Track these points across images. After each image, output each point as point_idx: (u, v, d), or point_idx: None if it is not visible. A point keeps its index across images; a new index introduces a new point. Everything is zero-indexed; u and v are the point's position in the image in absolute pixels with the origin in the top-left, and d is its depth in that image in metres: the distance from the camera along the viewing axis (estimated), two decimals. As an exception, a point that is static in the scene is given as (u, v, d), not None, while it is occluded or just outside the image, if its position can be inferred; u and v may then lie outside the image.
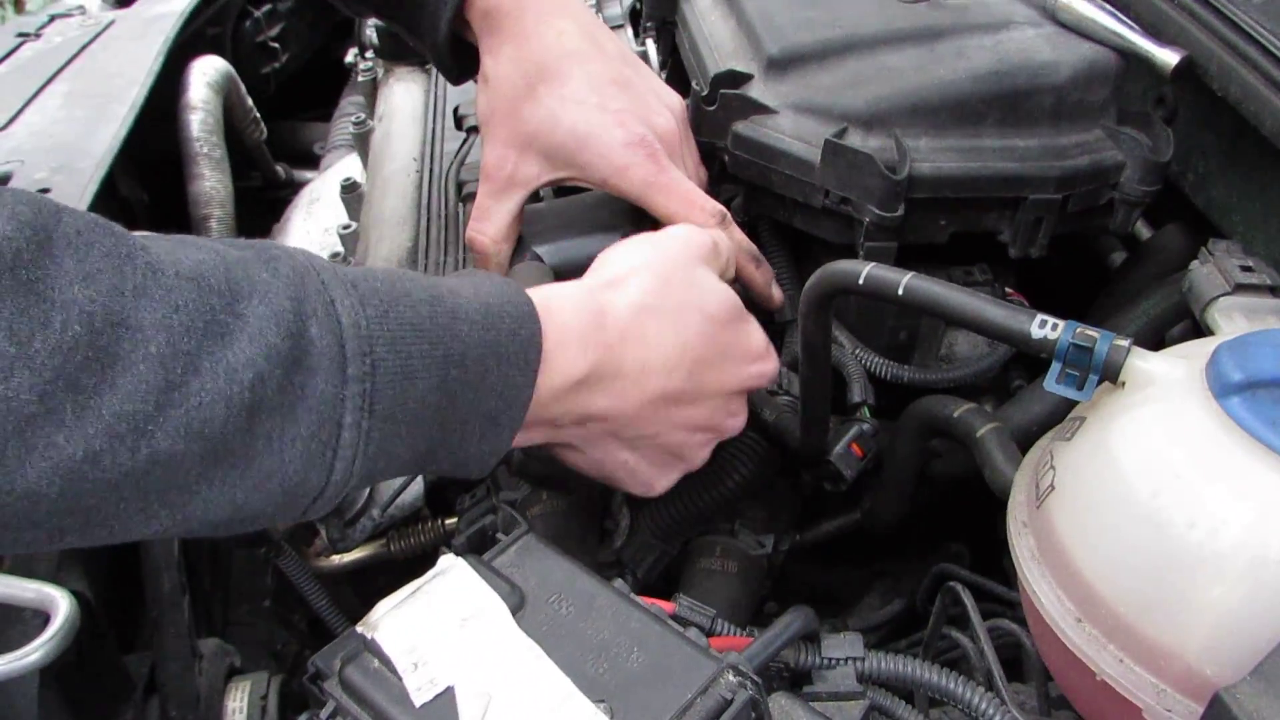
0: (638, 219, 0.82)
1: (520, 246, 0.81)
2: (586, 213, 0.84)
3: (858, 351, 0.91)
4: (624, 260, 0.72)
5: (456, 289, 0.61)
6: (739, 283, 0.84)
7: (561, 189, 0.93)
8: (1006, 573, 0.97)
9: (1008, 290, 0.94)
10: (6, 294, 0.43)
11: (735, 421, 0.75)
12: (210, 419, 0.48)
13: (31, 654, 0.64)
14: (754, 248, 0.82)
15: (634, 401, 0.67)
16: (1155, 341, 0.85)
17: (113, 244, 0.47)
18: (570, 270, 0.79)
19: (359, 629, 0.54)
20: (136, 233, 0.51)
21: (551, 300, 0.65)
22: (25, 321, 0.43)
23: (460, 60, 0.85)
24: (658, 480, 0.76)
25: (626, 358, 0.66)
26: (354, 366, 0.53)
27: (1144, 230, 1.02)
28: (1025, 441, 0.72)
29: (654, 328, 0.68)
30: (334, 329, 0.53)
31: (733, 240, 0.80)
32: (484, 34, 0.81)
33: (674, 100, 0.86)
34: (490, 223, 0.82)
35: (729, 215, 0.81)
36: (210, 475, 0.50)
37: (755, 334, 0.76)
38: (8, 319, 0.43)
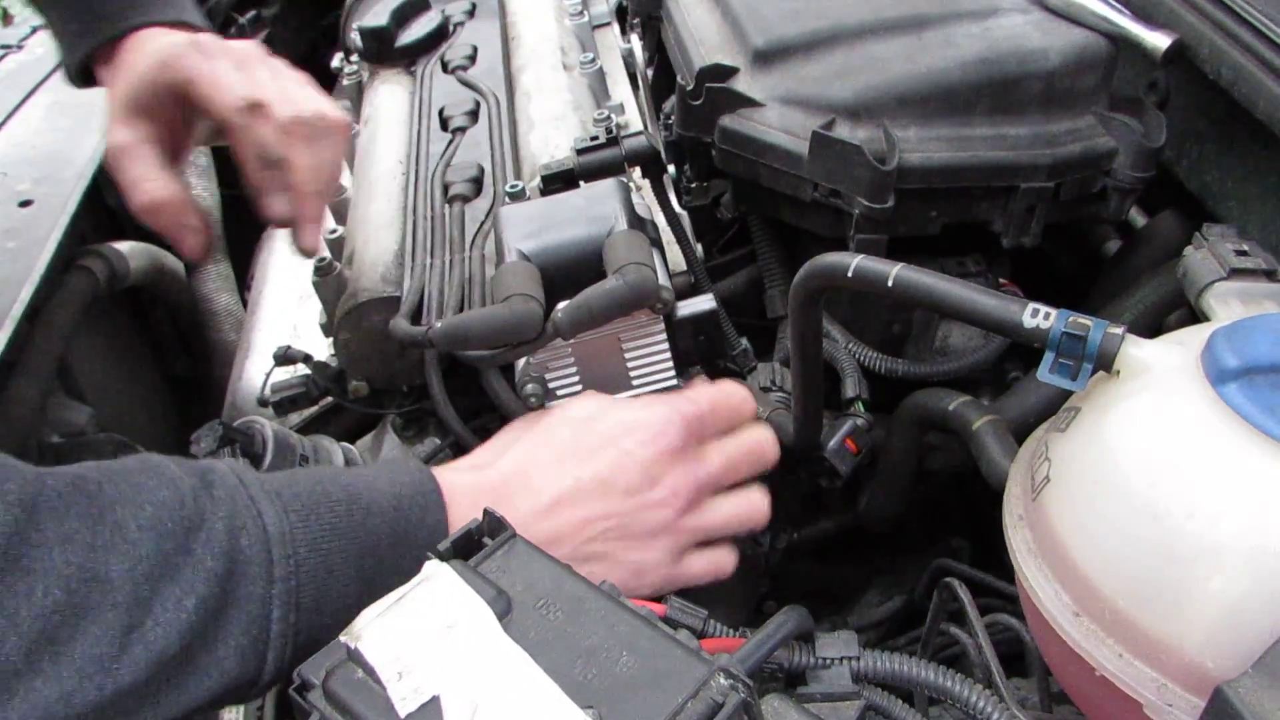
0: (627, 216, 0.81)
1: (506, 247, 0.80)
2: (571, 211, 0.83)
3: (851, 345, 0.90)
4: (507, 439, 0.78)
5: (373, 483, 0.68)
6: None
7: (547, 189, 0.92)
8: (1008, 567, 0.96)
9: (1001, 281, 0.93)
10: None
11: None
12: (167, 648, 0.56)
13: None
14: (275, 153, 0.83)
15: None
16: (1153, 330, 0.84)
17: (87, 505, 0.56)
18: (556, 268, 0.78)
19: (342, 638, 0.52)
20: (91, 467, 0.59)
21: (446, 472, 0.73)
22: (11, 596, 0.51)
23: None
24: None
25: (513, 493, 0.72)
26: (280, 568, 0.61)
27: (1138, 218, 1.01)
28: (1022, 434, 0.71)
29: (537, 471, 0.73)
30: (262, 538, 0.61)
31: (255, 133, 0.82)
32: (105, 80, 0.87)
33: None
34: (150, 182, 0.83)
35: (264, 105, 0.81)
36: (161, 693, 0.57)
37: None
38: None
